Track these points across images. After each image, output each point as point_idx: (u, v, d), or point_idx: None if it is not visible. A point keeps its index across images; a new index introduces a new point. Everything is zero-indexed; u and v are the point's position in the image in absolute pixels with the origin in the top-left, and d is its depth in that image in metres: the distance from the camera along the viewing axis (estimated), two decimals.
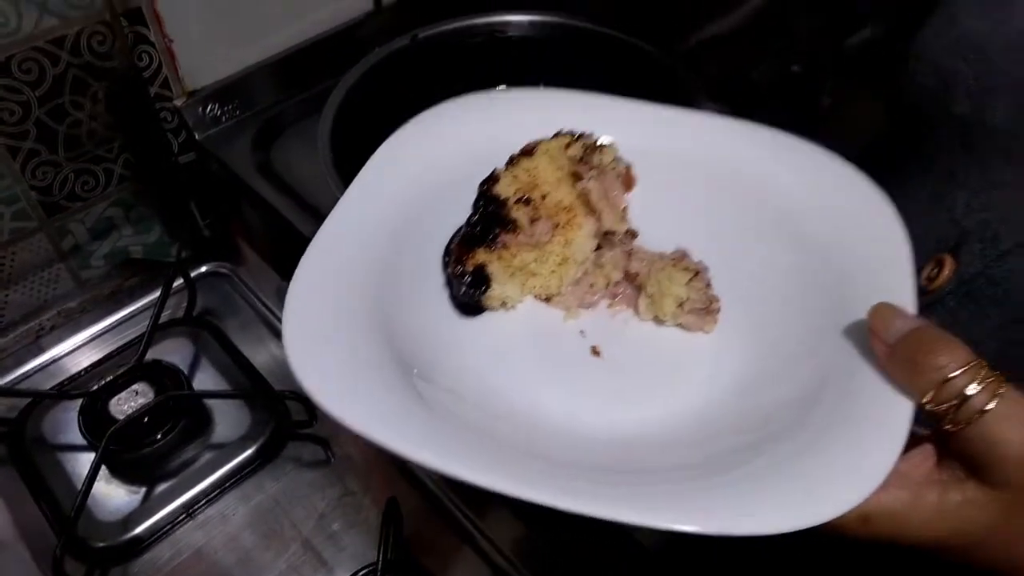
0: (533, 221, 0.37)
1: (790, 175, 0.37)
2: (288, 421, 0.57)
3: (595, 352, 0.37)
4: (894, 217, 0.34)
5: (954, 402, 0.27)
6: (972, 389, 0.26)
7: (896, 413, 0.27)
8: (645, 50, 0.68)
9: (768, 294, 0.35)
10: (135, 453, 0.54)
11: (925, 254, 0.38)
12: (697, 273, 0.36)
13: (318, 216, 0.67)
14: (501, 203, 0.37)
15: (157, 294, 0.63)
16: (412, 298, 0.36)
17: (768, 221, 0.37)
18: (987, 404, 0.26)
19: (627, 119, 0.40)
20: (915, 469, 0.28)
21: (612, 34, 0.69)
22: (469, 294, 0.37)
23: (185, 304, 0.65)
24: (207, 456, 0.56)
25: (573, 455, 0.31)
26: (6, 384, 0.62)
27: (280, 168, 0.73)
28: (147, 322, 0.60)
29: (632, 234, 0.39)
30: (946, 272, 0.38)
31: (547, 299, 0.38)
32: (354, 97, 0.67)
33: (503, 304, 0.38)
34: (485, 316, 0.37)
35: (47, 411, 0.58)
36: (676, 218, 0.39)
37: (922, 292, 0.38)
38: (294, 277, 0.33)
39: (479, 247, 0.37)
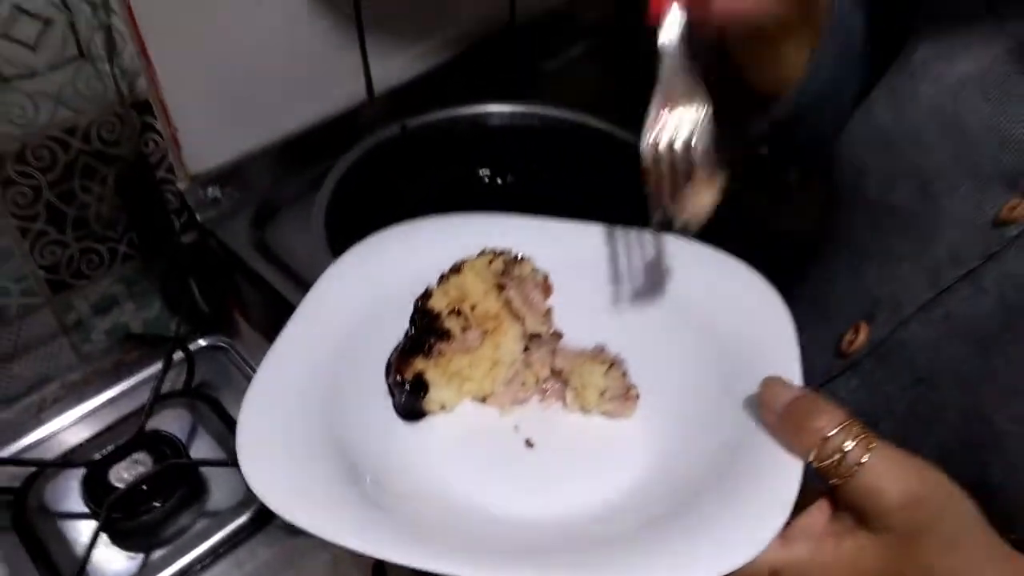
0: (464, 330, 0.41)
1: (692, 275, 0.43)
2: None
3: (529, 444, 0.40)
4: (783, 308, 0.39)
5: (835, 458, 0.30)
6: (848, 445, 0.30)
7: (787, 473, 0.31)
8: (616, 136, 0.74)
9: (679, 380, 0.40)
10: (134, 520, 0.57)
11: (846, 321, 0.43)
12: (613, 364, 0.40)
13: None
14: (435, 316, 0.41)
15: (156, 367, 0.66)
16: (359, 411, 0.39)
17: (675, 316, 0.42)
18: (862, 458, 0.30)
19: (541, 235, 0.45)
20: (813, 524, 0.32)
21: (585, 122, 0.75)
22: (410, 400, 0.40)
23: (184, 376, 0.68)
24: (202, 523, 0.59)
25: (513, 538, 0.34)
26: (10, 455, 0.64)
27: (275, 246, 0.78)
28: (147, 394, 0.64)
29: (557, 335, 0.44)
30: (861, 337, 0.42)
31: (483, 399, 0.42)
32: (348, 180, 0.72)
33: (442, 407, 0.41)
34: (427, 420, 0.41)
35: (49, 480, 0.61)
36: (595, 319, 0.43)
37: (842, 356, 0.43)
38: (246, 397, 0.36)
39: (416, 356, 0.40)
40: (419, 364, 0.40)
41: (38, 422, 0.68)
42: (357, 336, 0.42)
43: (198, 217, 0.79)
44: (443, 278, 0.43)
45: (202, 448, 0.64)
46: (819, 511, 0.32)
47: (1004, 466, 0.34)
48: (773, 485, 0.31)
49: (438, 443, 0.40)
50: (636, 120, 0.41)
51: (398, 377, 0.40)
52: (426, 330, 0.41)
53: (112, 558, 0.57)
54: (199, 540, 0.57)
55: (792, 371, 0.36)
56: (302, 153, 0.84)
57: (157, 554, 0.57)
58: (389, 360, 0.42)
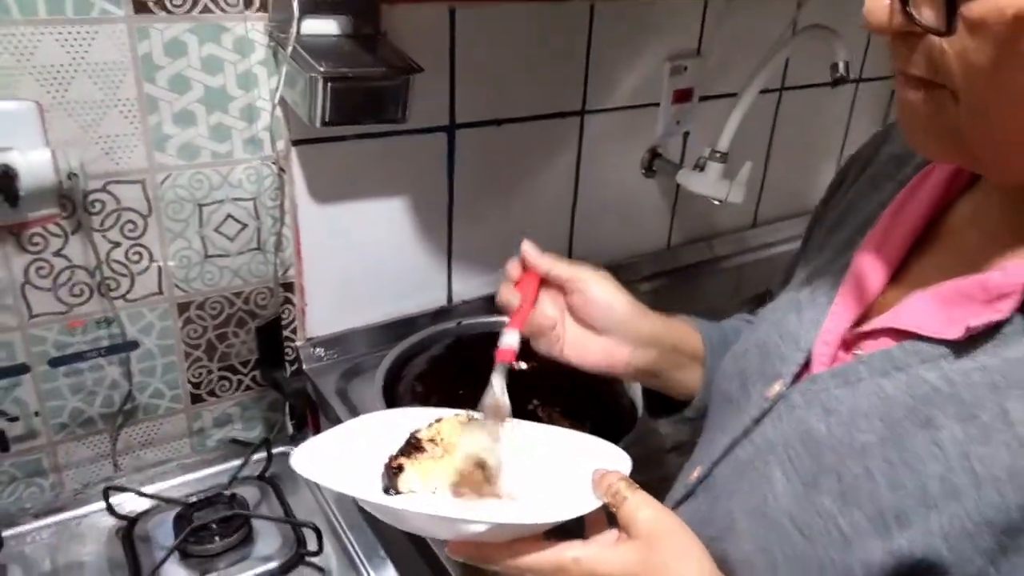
0: (434, 448, 0.63)
1: (572, 442, 0.64)
2: (303, 549, 0.82)
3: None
4: (624, 454, 0.59)
5: (615, 497, 0.51)
6: (622, 488, 0.51)
7: (592, 501, 0.52)
8: None
9: (564, 484, 0.59)
10: (201, 547, 0.80)
11: (696, 466, 0.63)
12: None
13: None
14: (419, 439, 0.63)
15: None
16: (368, 482, 0.61)
17: (560, 455, 0.62)
18: (628, 495, 0.50)
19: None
20: (605, 537, 0.51)
21: None
22: (391, 478, 0.61)
23: (263, 468, 0.94)
24: (247, 562, 0.80)
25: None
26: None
27: (352, 396, 1.04)
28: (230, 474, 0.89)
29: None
30: (696, 474, 0.61)
31: (433, 491, 0.61)
32: (406, 354, 1.00)
33: (410, 490, 0.60)
34: (399, 496, 0.60)
35: (152, 517, 0.86)
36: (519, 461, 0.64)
37: (687, 485, 0.62)
38: (312, 438, 0.61)
39: (403, 456, 0.62)
40: (402, 460, 0.62)
41: (155, 482, 0.95)
42: (377, 447, 0.63)
43: (304, 367, 1.08)
44: (430, 425, 0.65)
45: (261, 512, 0.87)
46: (610, 533, 0.52)
47: (735, 549, 0.53)
48: (584, 504, 0.52)
49: (402, 501, 0.59)
50: None
51: (388, 463, 0.62)
52: (413, 446, 0.63)
53: (178, 574, 0.80)
54: (240, 572, 0.79)
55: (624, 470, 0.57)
56: (390, 335, 1.12)
57: None
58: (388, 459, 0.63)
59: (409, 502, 0.56)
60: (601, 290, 0.69)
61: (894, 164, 0.62)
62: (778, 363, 0.58)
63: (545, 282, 0.70)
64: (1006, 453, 0.40)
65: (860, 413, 0.48)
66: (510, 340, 0.66)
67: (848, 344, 0.54)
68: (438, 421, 0.66)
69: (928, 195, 0.55)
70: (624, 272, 1.38)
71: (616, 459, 0.60)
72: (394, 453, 0.63)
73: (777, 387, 0.56)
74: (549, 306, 0.70)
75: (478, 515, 0.53)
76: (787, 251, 1.60)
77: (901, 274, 0.55)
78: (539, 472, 0.63)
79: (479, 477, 0.62)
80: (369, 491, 0.58)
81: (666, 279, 1.44)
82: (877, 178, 0.63)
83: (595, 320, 0.69)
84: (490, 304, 1.21)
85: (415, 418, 0.67)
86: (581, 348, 0.69)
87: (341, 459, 0.61)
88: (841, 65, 1.05)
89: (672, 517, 0.51)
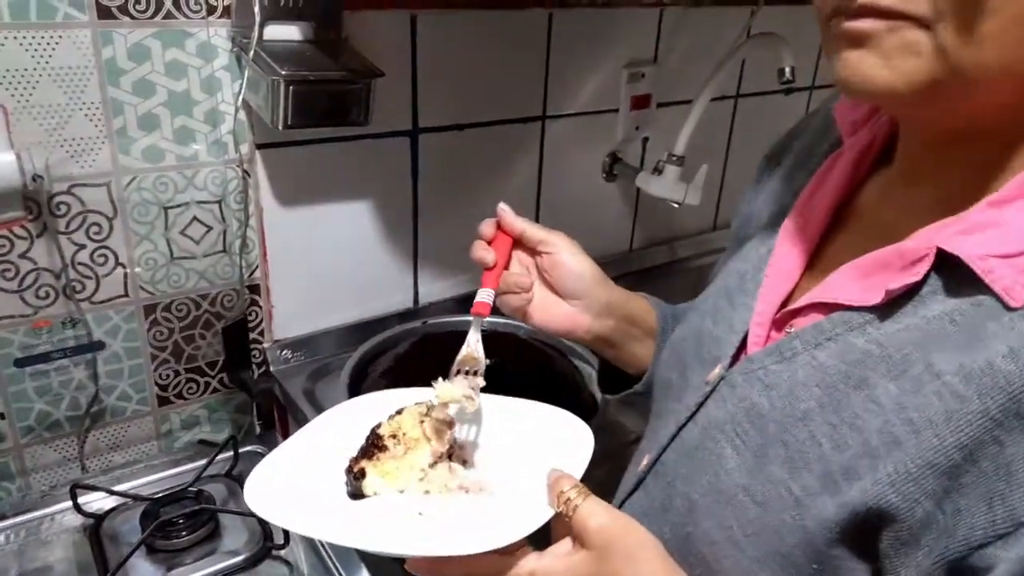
0: (395, 445, 0.62)
1: (538, 414, 0.66)
2: (270, 543, 0.83)
3: (420, 514, 0.59)
4: (588, 432, 0.61)
5: (567, 504, 0.51)
6: (574, 495, 0.51)
7: (546, 511, 0.53)
8: (550, 345, 1.03)
9: (521, 473, 0.60)
10: (168, 542, 0.81)
11: (644, 456, 0.65)
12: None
13: None
14: (380, 436, 0.63)
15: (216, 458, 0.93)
16: (331, 489, 0.60)
17: (525, 438, 0.63)
18: (579, 502, 0.51)
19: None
20: (559, 548, 0.52)
21: (538, 342, 1.04)
22: (354, 485, 0.60)
23: (230, 466, 0.95)
24: (211, 557, 0.81)
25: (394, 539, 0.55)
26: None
27: (319, 396, 1.06)
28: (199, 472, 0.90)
29: (460, 457, 0.65)
30: (645, 462, 0.63)
31: (401, 491, 0.61)
32: (372, 352, 1.02)
33: (375, 492, 0.60)
34: (365, 501, 0.60)
35: (119, 514, 0.86)
36: (484, 445, 0.66)
37: (638, 475, 0.64)
38: (264, 459, 0.60)
39: (363, 459, 0.61)
40: (363, 463, 0.61)
41: (122, 481, 0.95)
42: (337, 448, 0.62)
43: (271, 369, 1.10)
44: (390, 417, 0.65)
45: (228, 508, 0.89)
46: (565, 543, 0.52)
47: (697, 530, 0.54)
48: (538, 517, 0.53)
49: (366, 507, 0.60)
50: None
51: (350, 468, 0.61)
52: (373, 444, 0.63)
53: (145, 570, 0.80)
54: (207, 566, 0.80)
55: (579, 466, 0.57)
56: (356, 336, 1.14)
57: (175, 571, 0.80)
58: (349, 462, 0.63)
59: (358, 540, 0.56)
60: (572, 256, 0.71)
61: (805, 155, 0.66)
62: (715, 348, 0.61)
63: (517, 244, 0.73)
64: (938, 400, 0.43)
65: (798, 384, 0.51)
66: (485, 297, 0.69)
67: (779, 324, 0.57)
68: (399, 413, 0.65)
69: (836, 181, 0.59)
70: None
71: (578, 431, 0.62)
72: (355, 455, 0.62)
73: (717, 370, 0.59)
74: (519, 268, 0.73)
75: (430, 547, 0.54)
76: None
77: (819, 256, 0.58)
78: (507, 453, 0.64)
79: (446, 433, 0.63)
80: (323, 526, 0.57)
81: (628, 281, 1.46)
82: (791, 169, 0.67)
83: (563, 285, 0.71)
84: (456, 305, 1.23)
85: (374, 407, 0.67)
86: (546, 311, 0.72)
87: (298, 476, 0.60)
88: (787, 70, 1.10)
89: (624, 521, 0.51)
